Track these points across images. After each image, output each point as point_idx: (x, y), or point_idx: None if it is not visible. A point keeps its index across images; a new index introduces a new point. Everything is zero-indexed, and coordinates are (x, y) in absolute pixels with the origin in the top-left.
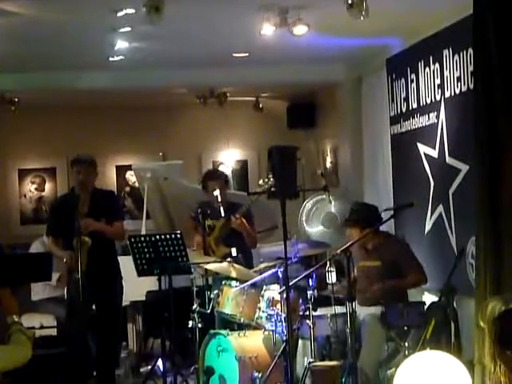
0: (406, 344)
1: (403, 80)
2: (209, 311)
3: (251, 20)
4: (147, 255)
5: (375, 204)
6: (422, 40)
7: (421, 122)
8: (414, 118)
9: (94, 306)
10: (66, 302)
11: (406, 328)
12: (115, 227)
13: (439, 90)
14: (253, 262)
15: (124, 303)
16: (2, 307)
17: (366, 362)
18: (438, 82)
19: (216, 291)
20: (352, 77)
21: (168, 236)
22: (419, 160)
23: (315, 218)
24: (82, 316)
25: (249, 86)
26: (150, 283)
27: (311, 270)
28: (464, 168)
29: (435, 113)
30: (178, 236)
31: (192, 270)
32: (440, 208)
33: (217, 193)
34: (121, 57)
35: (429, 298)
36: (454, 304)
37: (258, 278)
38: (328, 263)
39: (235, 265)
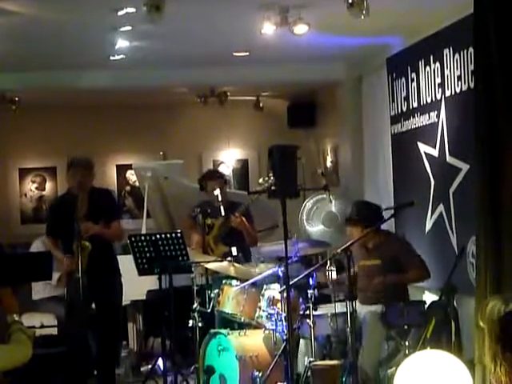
0: (407, 343)
1: (404, 79)
2: (209, 310)
3: (252, 19)
4: (147, 254)
5: (376, 203)
6: (423, 39)
7: (421, 121)
8: (414, 117)
9: (93, 305)
10: (66, 302)
11: (406, 327)
12: (113, 228)
13: (440, 89)
14: (250, 261)
15: (124, 302)
16: (2, 306)
17: (367, 361)
18: (438, 81)
19: (216, 290)
20: (352, 76)
21: (168, 235)
22: (420, 159)
23: (316, 218)
24: (81, 315)
25: (249, 85)
26: (151, 282)
27: (311, 269)
28: (464, 167)
29: (436, 112)
30: (179, 235)
31: (192, 269)
32: (440, 207)
33: (217, 192)
34: (121, 56)
35: (429, 297)
36: (455, 303)
37: (259, 277)
38: (328, 262)
39: (236, 264)
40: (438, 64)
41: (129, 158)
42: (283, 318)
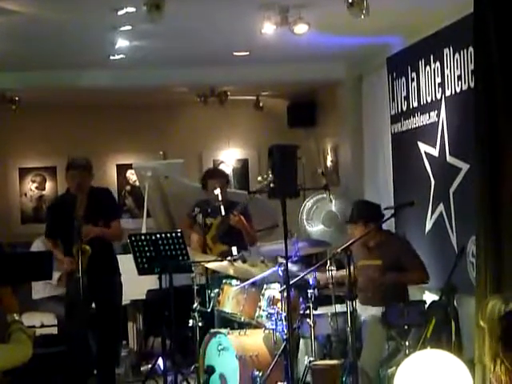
0: (407, 343)
1: (404, 79)
2: (209, 310)
3: (252, 19)
4: (148, 254)
5: (376, 203)
6: (423, 39)
7: (421, 120)
8: (414, 116)
9: (93, 305)
10: (66, 301)
11: (406, 327)
12: (113, 229)
13: (440, 89)
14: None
15: (124, 302)
16: (2, 306)
17: (367, 361)
18: (438, 80)
19: (216, 290)
20: (352, 75)
21: (168, 235)
22: (420, 159)
23: (316, 217)
24: (81, 315)
25: (249, 84)
26: (151, 282)
27: (312, 268)
28: (464, 167)
29: (436, 111)
30: (179, 235)
31: (192, 268)
32: (440, 207)
33: (217, 191)
34: (121, 55)
35: (429, 297)
36: (455, 303)
37: (259, 276)
38: (328, 262)
39: (235, 263)
40: (438, 63)
41: (129, 157)
42: (283, 318)
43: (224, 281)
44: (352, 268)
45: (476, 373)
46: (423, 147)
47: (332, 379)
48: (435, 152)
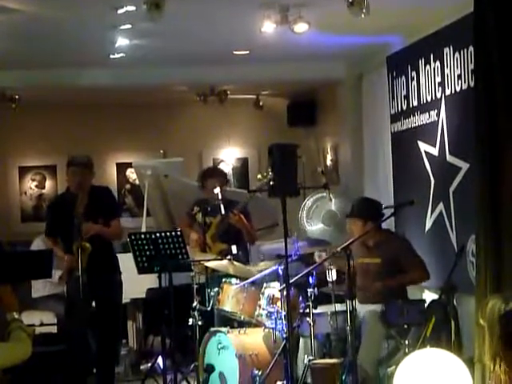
0: (406, 342)
1: (404, 78)
2: (209, 309)
3: (252, 18)
4: (147, 252)
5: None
6: (423, 38)
7: (421, 119)
8: (414, 115)
9: (93, 303)
10: (66, 300)
11: (406, 326)
12: (113, 227)
13: (440, 88)
14: (249, 259)
15: (124, 301)
16: (2, 304)
17: (366, 359)
18: (438, 79)
19: (216, 289)
20: (352, 74)
21: (168, 233)
22: (419, 158)
23: (315, 216)
24: (81, 313)
25: (249, 83)
26: (150, 281)
27: (311, 267)
28: (464, 166)
29: (436, 111)
30: (178, 233)
31: (192, 267)
32: (440, 206)
33: (217, 190)
34: (121, 54)
35: (429, 296)
36: (455, 302)
37: (259, 275)
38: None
39: (235, 262)
40: (438, 63)
41: (129, 156)
42: (283, 317)
43: (224, 279)
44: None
45: (475, 372)
46: (423, 146)
47: (331, 378)
48: (435, 151)
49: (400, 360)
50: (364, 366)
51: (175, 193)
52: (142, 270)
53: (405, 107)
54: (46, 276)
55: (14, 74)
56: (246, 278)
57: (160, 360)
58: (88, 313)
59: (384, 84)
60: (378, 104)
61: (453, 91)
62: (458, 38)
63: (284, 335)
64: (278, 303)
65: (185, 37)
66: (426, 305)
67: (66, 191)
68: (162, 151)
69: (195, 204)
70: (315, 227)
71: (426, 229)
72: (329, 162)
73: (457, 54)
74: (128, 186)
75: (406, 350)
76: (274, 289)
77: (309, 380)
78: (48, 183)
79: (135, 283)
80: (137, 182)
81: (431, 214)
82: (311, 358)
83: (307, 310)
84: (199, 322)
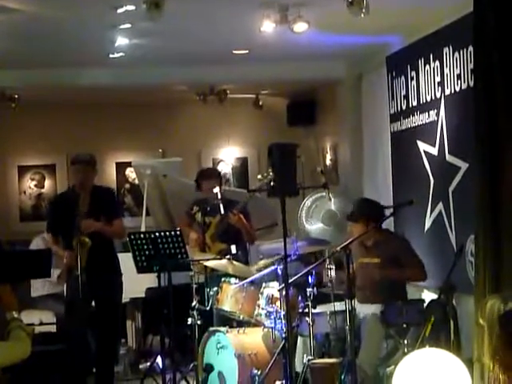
0: (405, 342)
1: (403, 77)
2: (208, 308)
3: (251, 17)
4: (147, 252)
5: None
6: (423, 38)
7: (421, 119)
8: (413, 115)
9: (93, 303)
10: (66, 299)
11: (405, 326)
12: (115, 226)
13: (439, 88)
14: (248, 258)
15: (123, 300)
16: (1, 303)
17: (365, 359)
18: (438, 79)
19: (215, 288)
20: (352, 74)
21: (167, 233)
22: (419, 158)
23: (315, 216)
24: (81, 313)
25: (249, 83)
26: (150, 280)
27: (311, 267)
28: (464, 166)
29: (435, 110)
30: (178, 233)
31: (191, 266)
32: (440, 206)
33: (216, 190)
34: (121, 54)
35: (428, 296)
36: (454, 302)
37: (258, 275)
38: (327, 261)
39: (234, 262)
40: (437, 62)
41: (128, 155)
42: (282, 316)
43: (223, 279)
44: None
45: (475, 372)
46: (422, 146)
47: (330, 377)
48: (434, 151)
49: (399, 360)
50: (363, 365)
51: (174, 192)
52: (141, 270)
53: (404, 107)
54: (45, 275)
55: (13, 73)
56: (246, 278)
57: (159, 359)
58: (87, 312)
59: (383, 84)
60: (378, 104)
61: (452, 91)
62: (458, 37)
63: (283, 335)
64: (277, 303)
65: (184, 36)
66: (425, 305)
67: (68, 190)
68: (161, 151)
69: (194, 204)
70: (314, 227)
71: (426, 228)
72: (328, 162)
73: (456, 54)
74: (127, 186)
75: (405, 350)
76: (273, 288)
77: (308, 379)
78: (47, 182)
79: (134, 282)
80: (136, 181)
81: (430, 213)
82: (310, 357)
83: (306, 310)
84: (198, 322)
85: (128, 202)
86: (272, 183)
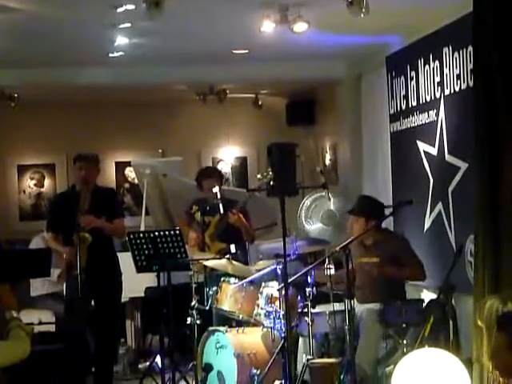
0: (405, 341)
1: (403, 77)
2: (207, 308)
3: (251, 17)
4: (146, 251)
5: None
6: (422, 38)
7: (420, 119)
8: (413, 115)
9: (92, 303)
10: (65, 299)
11: (404, 325)
12: (116, 224)
13: (439, 88)
14: (247, 258)
15: (123, 299)
16: (1, 303)
17: (364, 359)
18: (437, 79)
19: (215, 288)
20: (352, 74)
21: (167, 232)
22: (418, 158)
23: (314, 216)
24: (80, 312)
25: (248, 82)
26: (149, 279)
27: (310, 267)
28: (463, 166)
29: (435, 110)
30: (177, 232)
31: (190, 266)
32: (439, 206)
33: (216, 189)
34: (120, 53)
35: (427, 296)
36: (453, 302)
37: (257, 274)
38: (326, 260)
39: (234, 261)
40: (437, 62)
41: (128, 155)
42: (281, 316)
43: (222, 279)
44: (350, 266)
45: (474, 372)
46: (422, 146)
47: (330, 377)
48: (434, 151)
49: (398, 360)
50: (362, 365)
51: (174, 192)
52: (140, 269)
53: (404, 107)
54: (45, 275)
55: (13, 72)
56: (245, 278)
57: (158, 359)
58: (87, 312)
59: (383, 84)
60: (377, 104)
61: (452, 91)
62: (458, 37)
63: (282, 334)
64: (277, 302)
65: (184, 36)
66: (424, 304)
67: (68, 189)
68: (160, 150)
69: (194, 203)
70: (314, 226)
71: (425, 228)
72: (328, 162)
73: (456, 54)
74: (127, 185)
75: (404, 350)
76: (272, 288)
77: (307, 379)
78: (47, 182)
79: (134, 282)
80: (136, 181)
81: (430, 213)
82: (310, 357)
83: (306, 310)
84: (197, 321)
85: (127, 202)
86: (271, 182)
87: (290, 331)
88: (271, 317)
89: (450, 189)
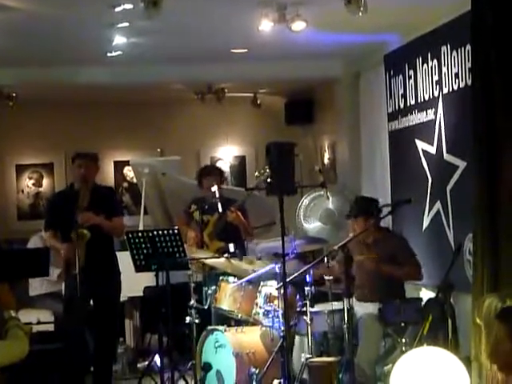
0: (403, 340)
1: (401, 76)
2: (206, 307)
3: (250, 16)
4: (145, 251)
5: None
6: (420, 36)
7: (419, 118)
8: (411, 114)
9: (91, 302)
10: (64, 298)
11: (403, 324)
12: (115, 222)
13: (437, 87)
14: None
15: (121, 299)
16: None
17: (363, 358)
18: (435, 78)
19: (213, 287)
20: (350, 73)
21: (166, 232)
22: (417, 156)
23: (313, 214)
24: (79, 312)
25: (247, 81)
26: (148, 279)
27: (309, 265)
28: (462, 164)
29: (433, 109)
30: (176, 232)
31: (189, 265)
32: (438, 204)
33: (215, 188)
34: (119, 52)
35: (426, 295)
36: (451, 300)
37: (256, 274)
38: (325, 259)
39: (232, 260)
40: (435, 61)
41: (126, 154)
42: (280, 315)
43: (221, 278)
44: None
45: (473, 370)
46: (420, 145)
47: (328, 376)
48: (432, 149)
49: (397, 358)
50: (361, 364)
51: (173, 191)
52: (139, 268)
53: (402, 106)
54: (43, 274)
55: (11, 71)
56: (244, 277)
57: (157, 358)
58: (85, 311)
59: (381, 82)
60: (376, 102)
61: (450, 90)
62: (456, 36)
63: (281, 333)
64: (275, 301)
65: (182, 35)
66: (422, 303)
67: (67, 188)
68: (159, 149)
69: (192, 202)
70: (312, 225)
71: (424, 227)
72: (326, 161)
73: (454, 53)
74: (125, 184)
75: (403, 349)
76: (271, 287)
77: (306, 378)
78: (45, 181)
79: (132, 281)
80: (134, 180)
81: (428, 212)
82: (308, 356)
83: (304, 309)
84: (196, 321)
85: (126, 201)
86: (269, 180)
87: (289, 330)
88: (270, 316)
89: (449, 187)
